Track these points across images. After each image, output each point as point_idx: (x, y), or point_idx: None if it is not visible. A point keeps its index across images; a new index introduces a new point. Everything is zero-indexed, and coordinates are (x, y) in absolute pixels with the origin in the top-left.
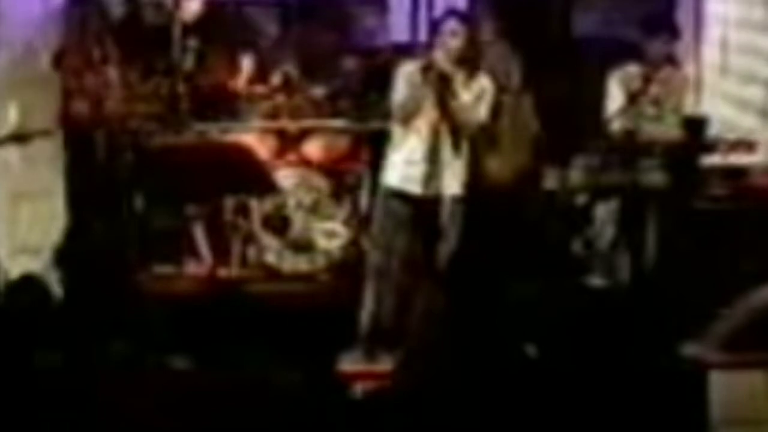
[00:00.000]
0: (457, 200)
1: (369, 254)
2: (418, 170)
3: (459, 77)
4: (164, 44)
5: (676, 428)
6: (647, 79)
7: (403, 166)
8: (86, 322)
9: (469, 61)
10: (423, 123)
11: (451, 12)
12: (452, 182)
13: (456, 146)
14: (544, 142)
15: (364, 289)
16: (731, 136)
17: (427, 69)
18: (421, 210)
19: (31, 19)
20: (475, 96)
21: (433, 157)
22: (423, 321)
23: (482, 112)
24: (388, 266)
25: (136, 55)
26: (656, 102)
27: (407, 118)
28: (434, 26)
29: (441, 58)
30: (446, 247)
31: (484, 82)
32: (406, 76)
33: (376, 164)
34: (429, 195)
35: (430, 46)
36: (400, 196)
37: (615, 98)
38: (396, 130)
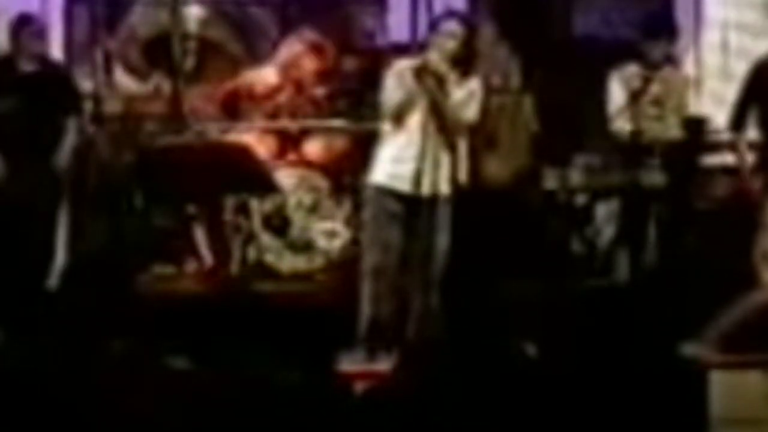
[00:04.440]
0: (448, 199)
1: (364, 254)
2: (408, 168)
3: (452, 77)
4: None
5: (676, 428)
6: (647, 80)
7: (391, 163)
8: (86, 322)
9: (465, 61)
10: (414, 122)
11: (451, 13)
12: (443, 181)
13: (448, 145)
14: (544, 142)
15: (361, 290)
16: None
17: (421, 69)
18: (411, 208)
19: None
20: (466, 95)
21: (423, 155)
22: (421, 321)
23: (472, 111)
24: (383, 265)
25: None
26: (656, 102)
27: (399, 118)
28: (432, 25)
29: (436, 58)
30: (440, 247)
31: (474, 84)
32: (397, 75)
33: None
34: (418, 194)
35: (426, 44)
36: (389, 194)
37: (615, 98)
38: (385, 128)
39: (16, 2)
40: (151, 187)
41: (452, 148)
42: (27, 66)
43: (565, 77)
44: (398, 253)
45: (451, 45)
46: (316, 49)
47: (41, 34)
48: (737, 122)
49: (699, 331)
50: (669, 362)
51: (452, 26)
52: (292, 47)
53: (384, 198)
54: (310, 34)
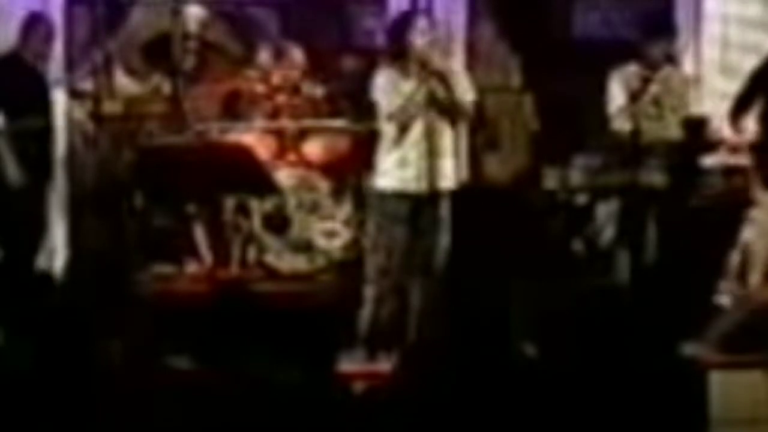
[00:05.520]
0: (449, 196)
1: (368, 257)
2: (413, 170)
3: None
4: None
5: (676, 428)
6: (647, 79)
7: (396, 167)
8: (86, 322)
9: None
10: (417, 124)
11: (418, 11)
12: (445, 178)
13: (453, 138)
14: (544, 142)
15: (364, 290)
16: None
17: (419, 69)
18: (415, 208)
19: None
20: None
21: (427, 156)
22: (421, 321)
23: (467, 90)
24: (388, 267)
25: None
26: (656, 102)
27: (405, 126)
28: (406, 26)
29: (435, 57)
30: (441, 245)
31: (452, 65)
32: (389, 84)
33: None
34: (423, 193)
35: (398, 43)
36: (395, 196)
37: (615, 98)
38: (384, 130)
39: (17, 2)
40: (151, 187)
41: (456, 141)
42: (32, 63)
43: (565, 77)
44: (402, 254)
45: (436, 41)
46: (280, 54)
47: (49, 35)
48: (736, 111)
49: (699, 331)
50: (669, 362)
51: (426, 23)
52: (262, 54)
53: (390, 201)
54: (278, 41)
